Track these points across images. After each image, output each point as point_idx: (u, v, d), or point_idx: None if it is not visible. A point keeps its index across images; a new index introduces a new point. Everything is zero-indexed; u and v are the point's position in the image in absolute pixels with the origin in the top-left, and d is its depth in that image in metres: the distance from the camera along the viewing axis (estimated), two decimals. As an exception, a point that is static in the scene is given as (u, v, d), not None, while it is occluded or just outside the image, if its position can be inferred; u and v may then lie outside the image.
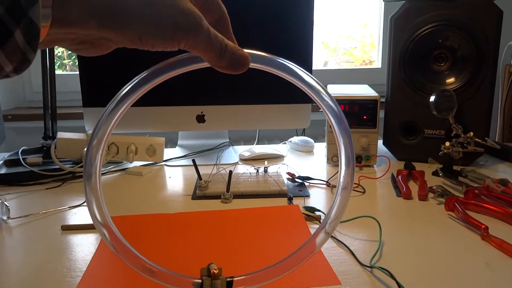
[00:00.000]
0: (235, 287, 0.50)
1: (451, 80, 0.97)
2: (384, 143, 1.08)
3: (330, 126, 1.03)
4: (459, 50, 0.96)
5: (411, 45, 0.98)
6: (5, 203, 0.73)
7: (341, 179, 0.48)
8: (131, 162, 1.00)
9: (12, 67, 0.27)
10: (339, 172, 0.48)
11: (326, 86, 0.49)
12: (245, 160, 1.07)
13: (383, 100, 1.01)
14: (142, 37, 0.33)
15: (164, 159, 1.05)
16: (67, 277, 0.57)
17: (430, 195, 0.82)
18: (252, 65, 0.42)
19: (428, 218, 0.74)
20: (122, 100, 0.42)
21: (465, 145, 0.89)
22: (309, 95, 0.46)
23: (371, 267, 0.58)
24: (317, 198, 0.84)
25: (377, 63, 1.78)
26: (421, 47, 0.98)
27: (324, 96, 0.46)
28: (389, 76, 1.03)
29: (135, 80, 0.42)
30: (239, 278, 0.50)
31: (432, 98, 0.93)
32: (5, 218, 0.73)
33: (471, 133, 0.90)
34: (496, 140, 1.46)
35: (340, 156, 0.48)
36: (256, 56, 0.42)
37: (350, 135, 0.47)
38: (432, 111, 0.93)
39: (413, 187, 0.86)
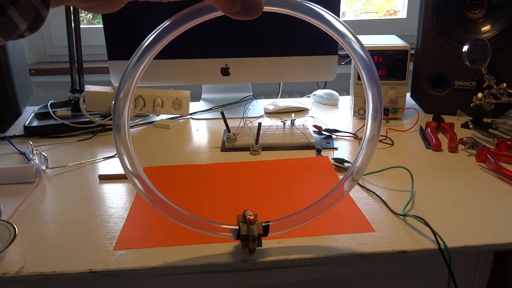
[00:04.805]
0: (271, 231, 0.52)
1: (486, 28, 0.93)
2: (411, 96, 1.06)
3: (358, 78, 1.02)
4: (496, -4, 0.91)
5: (445, -8, 0.94)
6: (43, 153, 0.76)
7: (368, 131, 0.48)
8: (158, 115, 1.01)
9: (27, 25, 0.27)
10: (365, 123, 0.48)
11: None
12: (270, 114, 1.06)
13: (412, 51, 0.98)
14: None
15: (189, 112, 1.06)
16: (110, 223, 0.60)
17: (460, 147, 0.82)
18: (275, 9, 0.41)
19: (459, 169, 0.74)
20: (145, 52, 0.42)
21: (498, 96, 0.87)
22: (339, 42, 0.44)
23: (404, 215, 0.59)
24: (345, 151, 0.84)
25: (402, 13, 1.71)
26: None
27: (354, 44, 0.44)
28: (419, 25, 0.99)
29: (154, 33, 0.42)
30: (274, 222, 0.52)
31: (465, 48, 0.90)
32: (44, 168, 0.75)
33: (504, 84, 0.88)
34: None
35: (368, 107, 0.47)
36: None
37: (380, 86, 0.47)
38: (464, 61, 0.90)
39: (443, 139, 0.86)
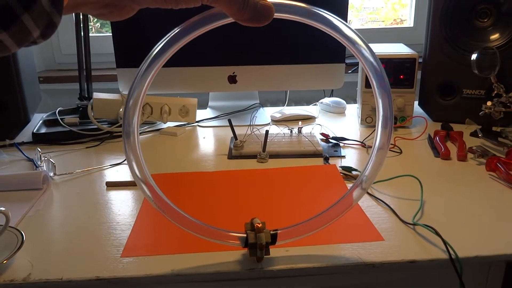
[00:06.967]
0: (279, 240, 0.51)
1: (495, 36, 0.93)
2: (419, 104, 1.06)
3: (366, 86, 1.01)
4: (504, 4, 0.91)
5: (453, 0, 0.93)
6: (51, 160, 0.76)
7: (378, 139, 0.48)
8: (165, 123, 1.01)
9: (40, 32, 0.27)
10: (375, 131, 0.48)
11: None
12: (277, 121, 1.06)
13: (420, 60, 0.98)
14: None
15: (196, 120, 1.06)
16: (117, 230, 0.60)
17: (469, 155, 0.81)
18: (286, 16, 0.41)
19: (468, 178, 0.73)
20: (154, 60, 0.42)
21: (507, 104, 0.86)
22: (349, 49, 0.44)
23: (414, 224, 0.58)
24: (353, 159, 0.83)
25: (409, 22, 1.71)
26: (463, 1, 0.93)
27: (364, 51, 0.44)
28: (427, 34, 0.99)
29: (164, 41, 0.42)
30: (282, 230, 0.51)
31: (473, 56, 0.89)
32: (52, 174, 0.75)
33: (514, 93, 0.87)
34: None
35: (378, 115, 0.47)
36: (288, 6, 0.41)
37: (390, 94, 0.46)
38: (473, 70, 0.89)
39: (451, 148, 0.85)
